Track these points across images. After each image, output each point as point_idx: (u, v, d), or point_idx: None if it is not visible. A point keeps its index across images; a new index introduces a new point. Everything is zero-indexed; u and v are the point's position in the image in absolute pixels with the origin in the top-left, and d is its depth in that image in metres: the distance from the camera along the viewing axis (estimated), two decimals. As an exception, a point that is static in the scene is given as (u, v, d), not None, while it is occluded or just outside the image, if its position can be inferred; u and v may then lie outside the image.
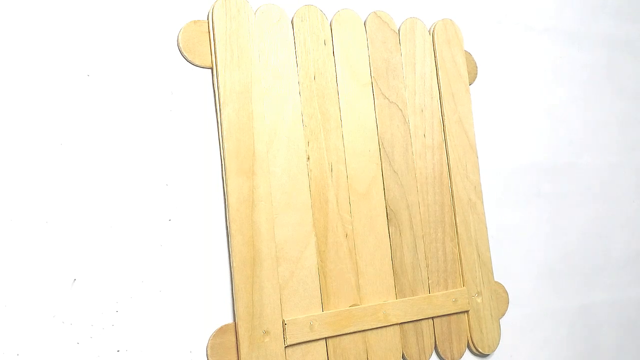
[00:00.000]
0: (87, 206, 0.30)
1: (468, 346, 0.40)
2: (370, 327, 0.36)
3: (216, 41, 0.34)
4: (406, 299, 0.38)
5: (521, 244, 0.45)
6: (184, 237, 0.32)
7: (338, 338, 0.35)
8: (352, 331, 0.35)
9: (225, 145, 0.33)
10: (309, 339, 0.34)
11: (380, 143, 0.38)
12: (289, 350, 0.33)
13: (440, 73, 0.42)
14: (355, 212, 0.37)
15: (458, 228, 0.41)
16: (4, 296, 0.28)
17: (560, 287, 0.46)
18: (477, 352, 0.41)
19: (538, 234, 0.46)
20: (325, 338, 0.35)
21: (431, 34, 0.42)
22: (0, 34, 0.30)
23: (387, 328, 0.37)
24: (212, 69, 0.34)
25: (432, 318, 0.39)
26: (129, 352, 0.30)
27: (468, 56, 0.44)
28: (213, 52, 0.34)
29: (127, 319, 0.31)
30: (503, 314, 0.42)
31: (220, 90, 0.34)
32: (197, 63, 0.34)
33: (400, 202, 0.39)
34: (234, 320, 0.32)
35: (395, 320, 0.37)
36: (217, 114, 0.34)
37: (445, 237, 0.40)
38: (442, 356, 0.39)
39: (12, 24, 0.30)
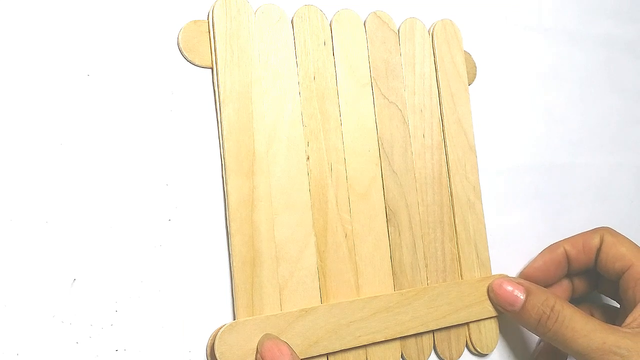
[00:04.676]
0: (87, 206, 0.30)
1: (467, 346, 0.40)
2: (370, 327, 0.36)
3: (216, 41, 0.34)
4: (405, 299, 0.37)
5: (520, 244, 0.45)
6: (183, 237, 0.32)
7: (337, 338, 0.35)
8: (351, 331, 0.35)
9: (225, 145, 0.33)
10: (308, 339, 0.34)
11: (380, 143, 0.38)
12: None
13: (439, 73, 0.42)
14: (354, 212, 0.37)
15: (457, 228, 0.41)
16: (4, 296, 0.28)
17: (558, 287, 0.46)
18: (475, 352, 0.41)
19: (537, 234, 0.46)
20: (325, 338, 0.34)
21: (430, 34, 0.42)
22: (0, 33, 0.30)
23: (386, 328, 0.37)
24: (212, 68, 0.34)
25: (431, 318, 0.39)
26: (128, 352, 0.30)
27: (467, 56, 0.44)
28: (213, 52, 0.34)
29: (127, 318, 0.31)
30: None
31: (220, 90, 0.34)
32: (197, 63, 0.34)
33: (400, 202, 0.38)
34: (234, 320, 0.32)
35: (394, 320, 0.37)
36: (217, 114, 0.34)
37: (444, 237, 0.40)
38: (441, 356, 0.39)
39: (11, 24, 0.30)
